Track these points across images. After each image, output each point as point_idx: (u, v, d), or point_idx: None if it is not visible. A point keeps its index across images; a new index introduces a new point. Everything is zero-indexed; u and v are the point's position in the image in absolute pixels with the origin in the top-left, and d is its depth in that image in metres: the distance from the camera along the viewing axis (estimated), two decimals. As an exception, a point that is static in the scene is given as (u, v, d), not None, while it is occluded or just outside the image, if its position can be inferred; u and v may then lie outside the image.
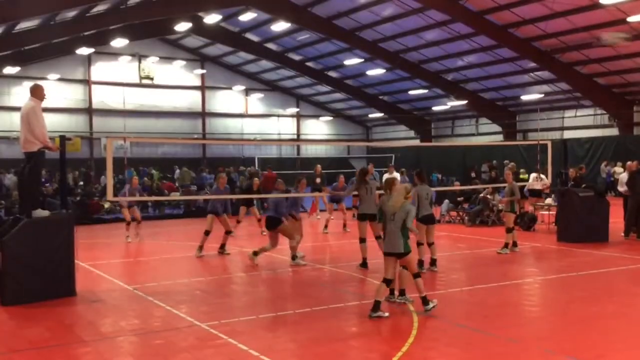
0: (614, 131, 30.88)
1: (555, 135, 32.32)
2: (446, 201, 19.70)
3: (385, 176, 20.40)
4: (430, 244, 11.27)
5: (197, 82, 41.46)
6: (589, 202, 14.36)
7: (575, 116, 32.79)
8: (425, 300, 8.05)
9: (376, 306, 7.88)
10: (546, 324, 7.89)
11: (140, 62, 38.78)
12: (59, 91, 35.64)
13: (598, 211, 14.42)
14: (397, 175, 20.22)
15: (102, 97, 37.62)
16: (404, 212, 7.97)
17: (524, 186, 17.95)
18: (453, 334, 7.43)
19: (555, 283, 10.35)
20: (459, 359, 6.49)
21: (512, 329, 7.44)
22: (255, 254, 11.99)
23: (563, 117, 33.53)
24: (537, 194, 18.47)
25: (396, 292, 8.74)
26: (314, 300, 9.18)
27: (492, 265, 11.87)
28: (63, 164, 10.04)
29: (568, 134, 32.33)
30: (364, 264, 11.47)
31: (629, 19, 22.10)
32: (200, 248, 13.37)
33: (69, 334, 7.60)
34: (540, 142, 15.70)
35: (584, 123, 32.45)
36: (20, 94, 32.74)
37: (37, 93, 9.34)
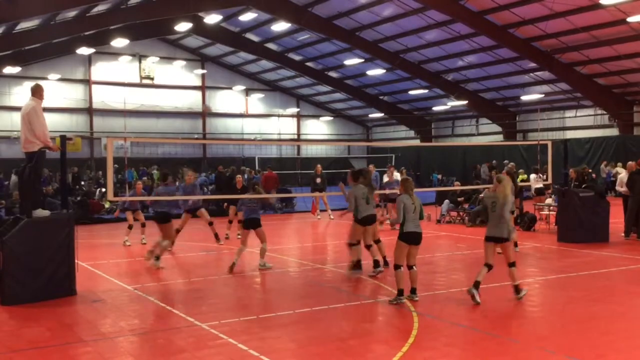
0: (614, 131, 30.89)
1: (556, 135, 32.34)
2: (446, 201, 19.70)
3: (386, 176, 20.42)
4: (368, 246, 10.99)
5: (198, 82, 41.49)
6: (590, 203, 14.36)
7: (576, 116, 32.80)
8: (517, 289, 8.84)
9: (476, 285, 8.66)
10: (546, 323, 7.89)
11: (140, 62, 38.82)
12: (60, 91, 35.69)
13: (598, 211, 14.42)
14: (397, 175, 20.21)
15: (103, 97, 37.66)
16: (504, 202, 8.67)
17: (522, 187, 17.96)
18: (453, 333, 7.43)
19: (555, 283, 10.35)
20: (459, 359, 6.49)
21: (512, 329, 7.46)
22: (157, 258, 11.96)
23: (563, 117, 33.54)
24: (541, 192, 18.56)
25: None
26: (314, 300, 9.18)
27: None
28: (64, 164, 10.05)
29: (568, 134, 32.35)
30: (357, 266, 10.98)
31: (629, 19, 22.11)
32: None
33: (69, 334, 7.60)
34: (541, 142, 15.70)
35: (584, 123, 32.46)
36: (20, 94, 32.80)
37: (37, 93, 9.35)
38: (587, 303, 8.87)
